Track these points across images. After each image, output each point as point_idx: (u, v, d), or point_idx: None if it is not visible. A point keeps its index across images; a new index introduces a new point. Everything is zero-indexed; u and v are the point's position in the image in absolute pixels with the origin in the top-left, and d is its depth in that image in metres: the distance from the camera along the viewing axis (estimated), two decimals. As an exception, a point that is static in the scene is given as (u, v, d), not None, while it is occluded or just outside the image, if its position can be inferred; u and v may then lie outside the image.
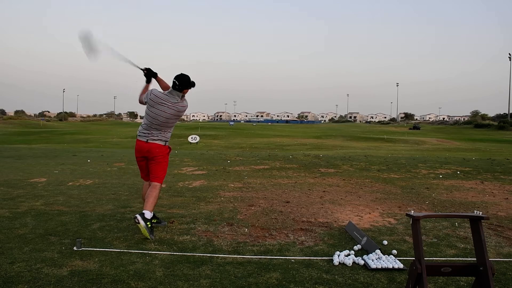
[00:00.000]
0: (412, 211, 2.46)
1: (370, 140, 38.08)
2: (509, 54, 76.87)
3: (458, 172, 10.39)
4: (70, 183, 7.66)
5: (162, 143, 4.22)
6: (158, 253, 3.47)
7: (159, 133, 4.19)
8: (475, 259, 2.42)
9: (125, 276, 2.96)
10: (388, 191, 7.26)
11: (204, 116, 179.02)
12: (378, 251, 3.46)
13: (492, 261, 2.91)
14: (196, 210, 5.32)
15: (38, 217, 4.69)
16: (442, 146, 32.12)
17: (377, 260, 3.29)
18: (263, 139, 38.12)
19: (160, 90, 4.27)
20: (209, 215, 4.97)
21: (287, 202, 5.97)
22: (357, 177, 9.24)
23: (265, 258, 3.41)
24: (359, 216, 5.11)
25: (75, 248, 3.52)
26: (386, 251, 3.61)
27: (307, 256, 3.48)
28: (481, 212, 2.46)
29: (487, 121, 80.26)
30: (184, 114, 4.39)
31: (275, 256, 3.47)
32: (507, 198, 6.60)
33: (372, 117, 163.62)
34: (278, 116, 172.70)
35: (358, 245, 3.74)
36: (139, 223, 3.78)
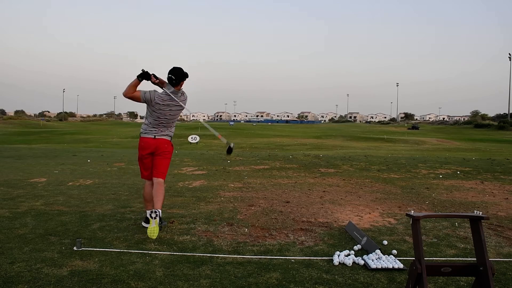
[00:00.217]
0: (412, 211, 2.46)
1: (370, 140, 38.10)
2: (509, 54, 76.95)
3: (458, 172, 10.40)
4: (70, 183, 7.66)
5: (169, 138, 4.39)
6: (158, 253, 3.47)
7: (166, 129, 4.36)
8: (475, 259, 2.42)
9: (125, 276, 2.96)
10: (388, 191, 7.26)
11: (204, 116, 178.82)
12: (378, 251, 3.46)
13: (492, 261, 2.92)
14: (196, 210, 5.33)
15: (38, 217, 4.69)
16: (442, 146, 32.13)
17: (377, 260, 3.28)
18: (263, 139, 38.15)
19: (161, 90, 4.28)
20: (209, 215, 4.97)
21: (287, 202, 5.97)
22: (357, 177, 9.24)
23: (265, 258, 3.41)
24: (359, 216, 5.11)
25: (75, 248, 3.52)
26: (386, 251, 3.61)
27: (307, 256, 3.48)
28: (481, 212, 2.46)
29: (487, 121, 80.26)
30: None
31: (275, 256, 3.47)
32: (507, 198, 6.61)
33: (372, 117, 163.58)
34: (278, 116, 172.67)
35: (358, 245, 3.74)
36: (155, 218, 3.74)
